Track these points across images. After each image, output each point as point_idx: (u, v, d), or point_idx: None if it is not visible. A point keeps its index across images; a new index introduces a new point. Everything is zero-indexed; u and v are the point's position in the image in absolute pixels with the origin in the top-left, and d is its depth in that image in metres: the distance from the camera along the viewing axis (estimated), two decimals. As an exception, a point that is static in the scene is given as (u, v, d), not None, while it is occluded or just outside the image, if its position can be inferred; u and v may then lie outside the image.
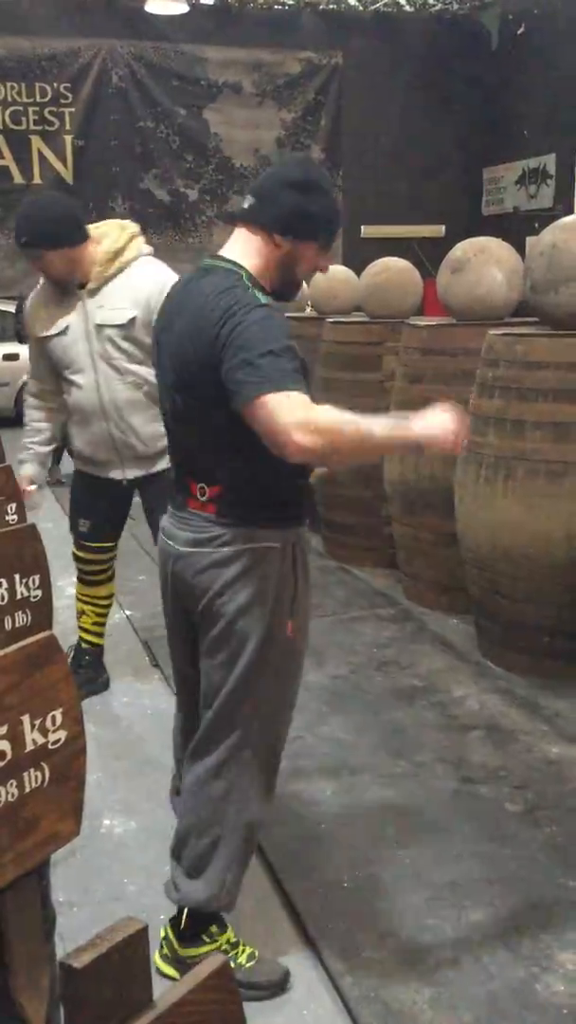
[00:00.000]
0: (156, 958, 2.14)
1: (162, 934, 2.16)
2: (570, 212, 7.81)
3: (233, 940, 2.15)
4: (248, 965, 2.12)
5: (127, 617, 4.37)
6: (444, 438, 1.81)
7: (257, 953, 2.16)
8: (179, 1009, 0.82)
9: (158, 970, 2.12)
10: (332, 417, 1.75)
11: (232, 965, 2.01)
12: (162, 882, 2.29)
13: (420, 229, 9.33)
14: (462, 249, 4.30)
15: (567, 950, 2.20)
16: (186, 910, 2.10)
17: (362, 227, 9.94)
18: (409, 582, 4.61)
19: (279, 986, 2.11)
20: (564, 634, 3.44)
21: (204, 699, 2.07)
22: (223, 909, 2.12)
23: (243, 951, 2.14)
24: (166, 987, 0.84)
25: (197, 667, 2.11)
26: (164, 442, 3.14)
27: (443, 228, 8.96)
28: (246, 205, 1.99)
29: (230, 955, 2.11)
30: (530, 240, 4.78)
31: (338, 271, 6.38)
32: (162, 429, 2.28)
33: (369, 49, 9.94)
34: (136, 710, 3.50)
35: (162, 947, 2.16)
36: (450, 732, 3.28)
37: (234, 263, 1.96)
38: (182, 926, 2.12)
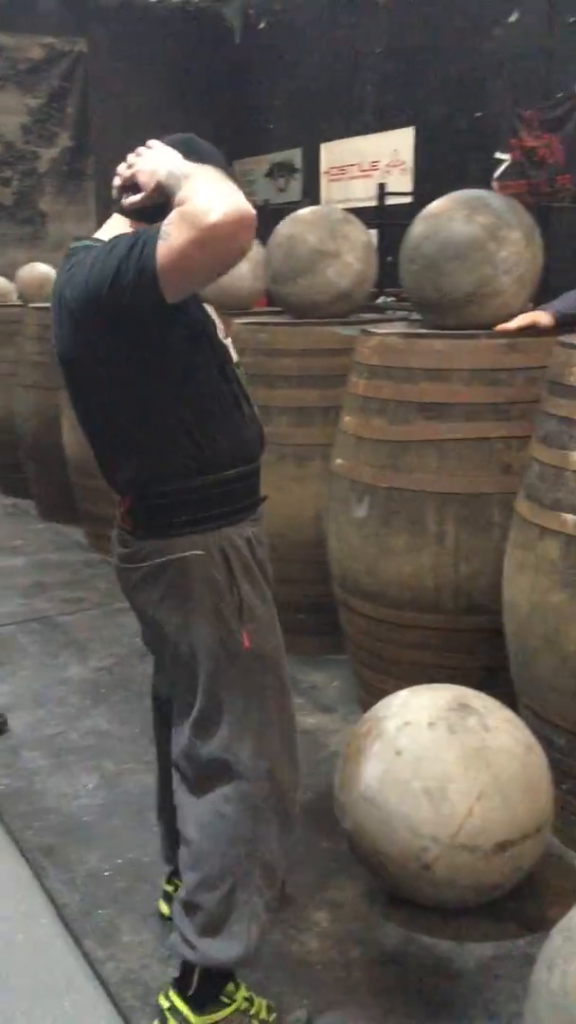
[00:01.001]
0: None
1: (164, 1004, 1.89)
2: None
3: (247, 995, 1.93)
4: (271, 1019, 1.94)
5: None
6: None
7: (273, 1004, 1.98)
8: None
9: None
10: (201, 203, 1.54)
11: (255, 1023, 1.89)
12: None
13: (173, 220, 9.34)
14: (206, 240, 4.37)
15: (321, 909, 2.31)
16: (198, 971, 1.86)
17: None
18: (171, 570, 4.63)
19: None
20: (314, 610, 3.58)
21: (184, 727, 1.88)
22: (247, 966, 1.93)
23: (260, 1005, 1.94)
24: None
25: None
26: None
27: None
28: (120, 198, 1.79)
29: (251, 1013, 1.92)
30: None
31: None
32: None
33: (114, 37, 9.83)
34: None
35: (167, 1020, 1.88)
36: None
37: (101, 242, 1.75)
38: (193, 990, 1.86)
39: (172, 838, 2.12)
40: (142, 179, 1.72)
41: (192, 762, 1.86)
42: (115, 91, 9.91)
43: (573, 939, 1.58)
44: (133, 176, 1.74)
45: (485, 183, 6.69)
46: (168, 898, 2.24)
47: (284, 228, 3.72)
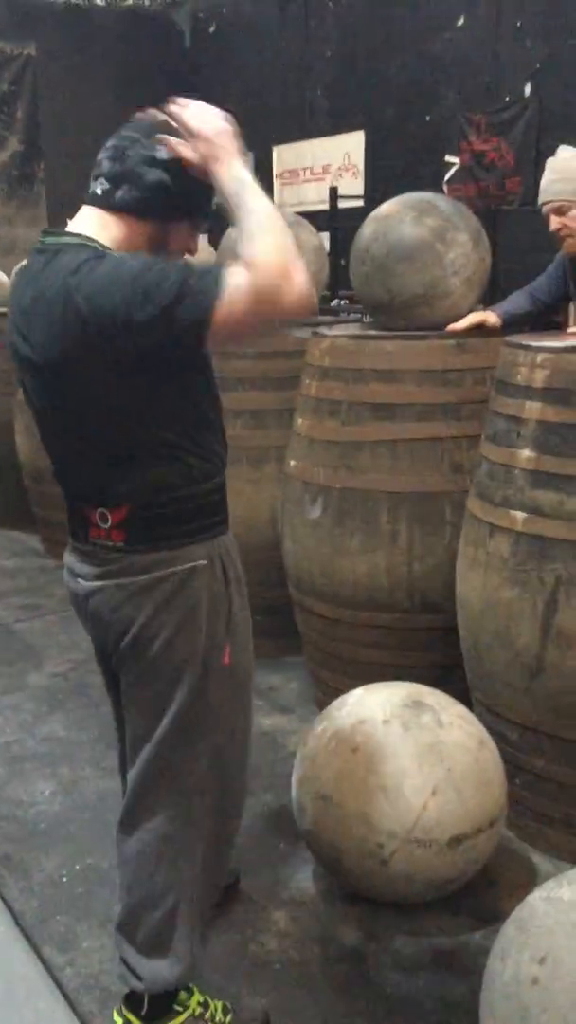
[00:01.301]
0: None
1: (119, 1021, 1.89)
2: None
3: (202, 999, 1.93)
4: (227, 1020, 1.93)
5: None
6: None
7: (229, 1004, 1.97)
8: None
9: None
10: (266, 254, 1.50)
11: None
12: None
13: (126, 224, 9.30)
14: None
15: (280, 909, 2.32)
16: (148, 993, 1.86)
17: (68, 220, 9.78)
18: (128, 575, 4.62)
19: None
20: (271, 612, 3.58)
21: (131, 752, 1.83)
22: (195, 976, 1.91)
23: (216, 1007, 1.93)
24: None
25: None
26: None
27: (150, 223, 8.97)
28: (99, 191, 1.71)
29: (206, 1018, 1.91)
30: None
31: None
32: None
33: (63, 41, 9.78)
34: None
35: None
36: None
37: (86, 237, 1.68)
38: (145, 1008, 1.86)
39: None
40: (204, 149, 1.62)
41: (144, 781, 1.82)
42: (65, 95, 9.85)
43: (525, 929, 1.61)
44: (195, 131, 1.63)
45: (436, 186, 6.75)
46: None
47: (234, 232, 3.73)
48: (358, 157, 8.05)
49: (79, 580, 1.81)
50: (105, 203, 1.71)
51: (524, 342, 2.48)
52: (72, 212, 1.86)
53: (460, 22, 6.83)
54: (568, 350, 2.34)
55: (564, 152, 3.07)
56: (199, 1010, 1.91)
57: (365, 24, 7.73)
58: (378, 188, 7.37)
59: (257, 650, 3.85)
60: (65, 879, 2.44)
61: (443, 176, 7.12)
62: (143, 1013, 1.86)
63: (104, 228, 1.70)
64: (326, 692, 3.20)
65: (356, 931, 2.24)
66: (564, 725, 2.35)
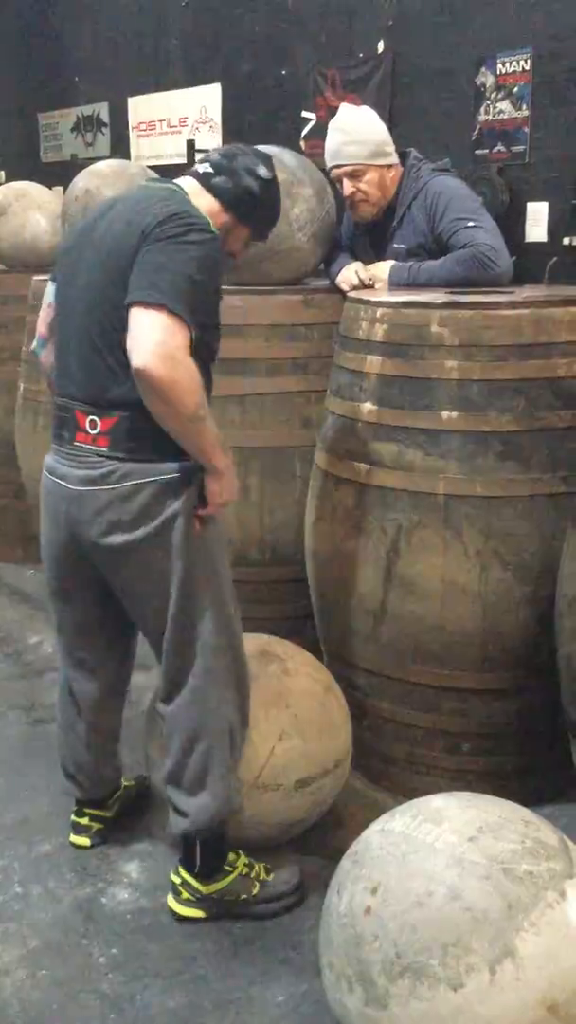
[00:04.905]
0: (175, 906, 2.13)
1: (176, 880, 2.14)
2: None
3: (247, 861, 2.18)
4: (271, 878, 2.17)
5: None
6: (225, 493, 1.99)
7: (270, 866, 2.20)
8: None
9: (179, 917, 2.13)
10: (193, 373, 1.81)
11: (257, 887, 2.13)
12: None
13: (-23, 174, 8.98)
14: (2, 194, 4.25)
15: (131, 861, 2.35)
16: (199, 846, 2.10)
17: None
18: (-18, 537, 4.52)
19: (300, 886, 2.18)
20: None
21: (150, 635, 2.09)
22: (232, 814, 2.12)
23: (259, 868, 2.18)
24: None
25: (105, 606, 2.15)
26: None
27: (2, 174, 8.69)
28: (201, 171, 2.11)
29: (251, 876, 2.15)
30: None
31: None
32: None
33: None
34: None
35: (179, 892, 2.13)
36: (23, 679, 3.31)
37: (183, 190, 2.07)
38: (197, 865, 2.11)
39: (96, 761, 2.33)
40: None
41: (171, 653, 2.05)
42: None
43: (359, 862, 1.67)
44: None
45: (293, 142, 6.72)
46: (80, 829, 2.38)
47: (81, 182, 3.64)
48: (215, 110, 7.94)
49: (61, 483, 2.03)
50: (203, 181, 2.10)
51: (365, 297, 2.52)
52: None
53: (314, -25, 6.79)
54: (406, 305, 2.39)
55: (349, 111, 2.96)
56: (245, 870, 2.16)
57: (220, -27, 7.59)
58: (236, 142, 7.29)
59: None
60: None
61: (300, 132, 7.10)
62: (196, 871, 2.11)
63: (197, 196, 2.07)
64: (181, 647, 3.21)
65: (208, 877, 2.28)
66: (404, 668, 2.43)
